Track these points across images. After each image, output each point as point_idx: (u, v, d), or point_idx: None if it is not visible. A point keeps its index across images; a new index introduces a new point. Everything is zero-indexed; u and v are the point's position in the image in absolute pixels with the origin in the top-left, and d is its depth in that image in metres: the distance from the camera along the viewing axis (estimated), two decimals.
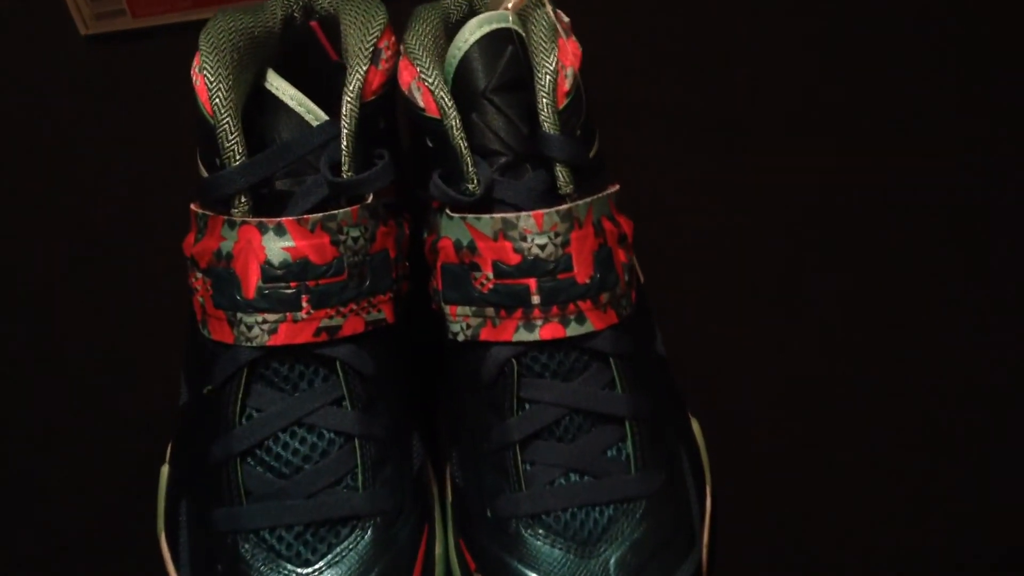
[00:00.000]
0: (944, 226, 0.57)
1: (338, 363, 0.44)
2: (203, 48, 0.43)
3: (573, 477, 0.44)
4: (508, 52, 0.45)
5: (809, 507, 0.50)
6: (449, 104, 0.43)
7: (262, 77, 0.46)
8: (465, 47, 0.45)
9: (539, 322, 0.43)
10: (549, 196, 0.44)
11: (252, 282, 0.42)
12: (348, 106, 0.43)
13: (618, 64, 0.61)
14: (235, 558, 0.43)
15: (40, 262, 0.57)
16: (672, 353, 0.50)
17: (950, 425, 0.52)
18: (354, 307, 0.43)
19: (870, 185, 0.58)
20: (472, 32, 0.45)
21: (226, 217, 0.43)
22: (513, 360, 0.44)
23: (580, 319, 0.43)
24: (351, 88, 0.43)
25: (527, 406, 0.44)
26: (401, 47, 0.46)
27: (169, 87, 0.59)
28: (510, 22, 0.45)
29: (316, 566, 0.42)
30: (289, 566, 0.42)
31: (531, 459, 0.44)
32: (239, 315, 0.43)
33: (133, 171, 0.59)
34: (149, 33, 0.61)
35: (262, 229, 0.42)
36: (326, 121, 0.44)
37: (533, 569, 0.43)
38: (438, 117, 0.43)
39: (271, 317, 0.42)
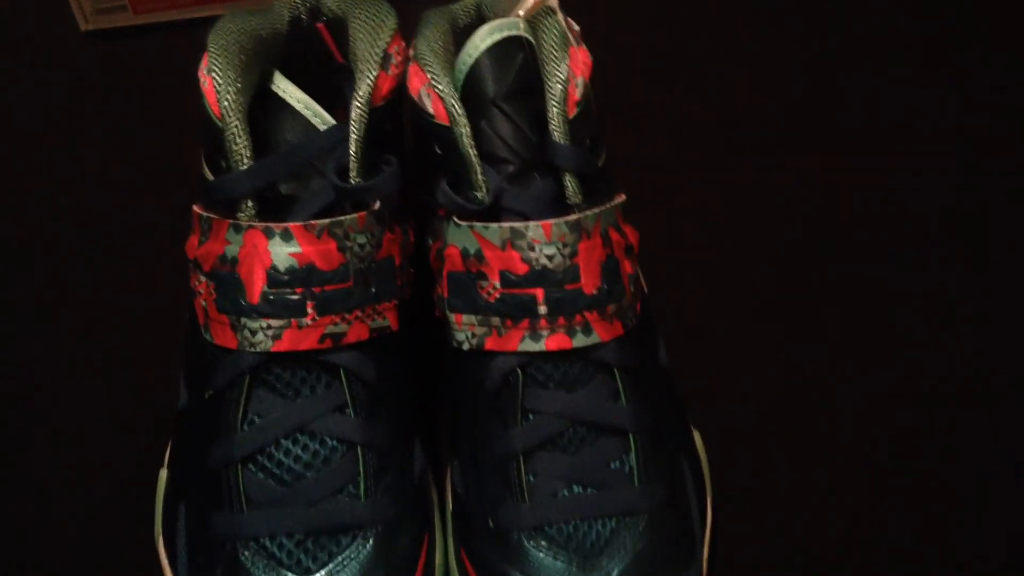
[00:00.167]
0: (952, 232, 0.57)
1: (342, 370, 0.43)
2: (212, 50, 0.43)
3: (576, 489, 0.44)
4: (519, 60, 0.44)
5: (810, 520, 0.50)
6: (460, 111, 0.43)
7: (268, 79, 0.45)
8: (476, 54, 0.44)
9: (545, 332, 0.43)
10: (557, 205, 0.44)
11: (257, 287, 0.42)
12: (357, 111, 0.43)
13: (620, 70, 0.61)
14: (234, 565, 0.42)
15: (36, 260, 0.56)
16: (674, 363, 0.50)
17: (956, 438, 0.52)
18: (359, 314, 0.43)
19: (879, 198, 0.58)
20: (483, 39, 0.44)
21: (232, 221, 0.42)
22: (518, 370, 0.44)
23: (586, 330, 0.43)
24: (361, 93, 0.43)
25: (531, 416, 0.44)
26: (410, 52, 0.46)
27: (169, 84, 0.59)
28: (521, 29, 0.45)
29: (317, 574, 0.42)
30: (289, 574, 0.42)
31: (534, 470, 0.44)
32: (243, 320, 0.42)
33: (132, 169, 0.58)
34: (149, 30, 0.60)
35: (268, 234, 0.42)
36: (333, 125, 0.44)
37: None
38: (448, 124, 0.43)
39: (275, 323, 0.42)
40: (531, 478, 0.44)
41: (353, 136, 0.43)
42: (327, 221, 0.42)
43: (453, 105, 0.43)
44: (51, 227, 0.57)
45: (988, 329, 0.54)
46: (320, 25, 0.49)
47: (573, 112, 0.44)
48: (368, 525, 0.43)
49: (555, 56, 0.44)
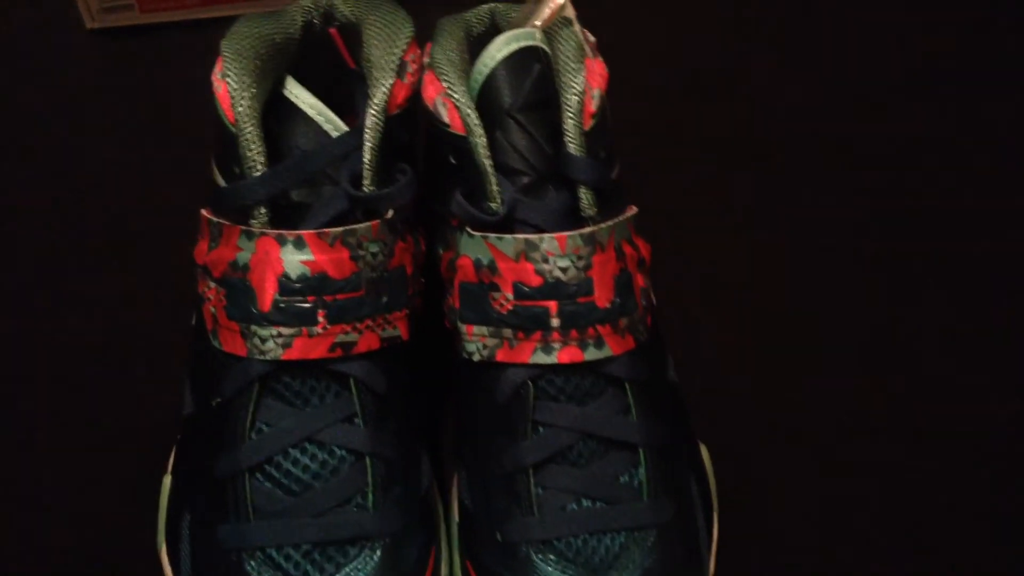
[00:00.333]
0: (973, 257, 0.56)
1: (351, 380, 0.43)
2: (227, 54, 0.43)
3: (585, 503, 0.43)
4: (535, 71, 0.44)
5: (817, 537, 0.50)
6: (476, 122, 0.42)
7: (280, 84, 0.45)
8: (492, 64, 0.44)
9: (557, 345, 0.43)
10: (571, 218, 0.44)
11: (269, 295, 0.42)
12: (372, 119, 0.42)
13: (628, 82, 0.60)
14: (240, 575, 0.42)
15: (39, 261, 0.55)
16: (680, 376, 0.50)
17: (973, 455, 0.52)
18: (370, 323, 0.43)
19: (895, 216, 0.57)
20: (499, 49, 0.44)
21: (243, 228, 0.42)
22: (529, 382, 0.43)
23: (599, 344, 0.43)
24: (376, 101, 0.42)
25: (540, 429, 0.44)
26: (425, 60, 0.45)
27: (175, 84, 0.59)
28: (537, 40, 0.45)
29: None
30: None
31: (543, 483, 0.43)
32: (253, 328, 0.42)
33: (137, 169, 0.58)
34: (155, 29, 0.60)
35: (281, 241, 0.41)
36: (346, 132, 0.44)
37: None
38: (463, 134, 0.43)
39: (286, 331, 0.42)
40: (540, 491, 0.43)
41: (368, 144, 0.42)
42: (340, 229, 0.42)
43: (469, 115, 0.42)
44: (52, 228, 0.56)
45: (1010, 362, 0.54)
46: (333, 30, 0.49)
47: (589, 124, 0.43)
48: (376, 536, 0.43)
49: (571, 67, 0.44)
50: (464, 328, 0.44)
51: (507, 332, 0.43)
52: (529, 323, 0.43)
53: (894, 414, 0.53)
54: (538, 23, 0.45)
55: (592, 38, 0.46)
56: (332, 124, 0.44)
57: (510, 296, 0.43)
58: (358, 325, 0.42)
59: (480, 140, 0.42)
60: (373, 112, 0.42)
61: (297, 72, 0.46)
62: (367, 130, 0.42)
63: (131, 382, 0.53)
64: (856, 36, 0.62)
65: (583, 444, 0.44)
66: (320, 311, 0.42)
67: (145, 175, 0.58)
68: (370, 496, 0.43)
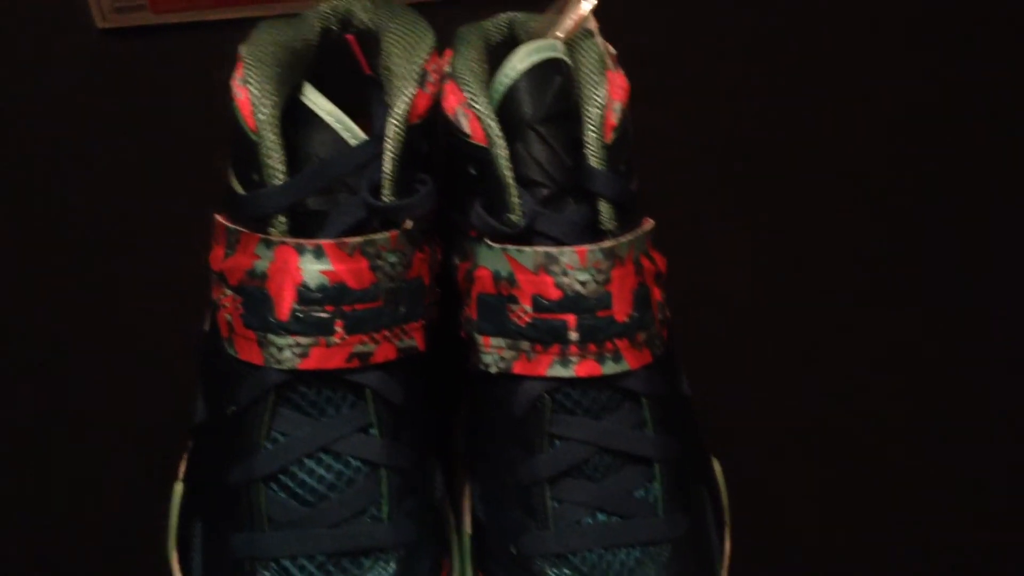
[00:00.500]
0: (993, 270, 0.56)
1: (367, 390, 0.43)
2: (248, 61, 0.42)
3: (601, 517, 0.43)
4: (557, 83, 0.44)
5: (829, 551, 0.50)
6: (498, 133, 0.42)
7: (297, 90, 0.45)
8: (514, 75, 0.44)
9: (575, 359, 0.43)
10: (590, 231, 0.43)
11: (287, 304, 0.41)
12: (394, 129, 0.42)
13: (641, 93, 0.60)
14: None
15: (48, 264, 0.55)
16: (693, 390, 0.50)
17: (980, 469, 0.52)
18: (387, 333, 0.43)
19: (912, 231, 0.57)
20: (522, 60, 0.44)
21: (262, 236, 0.42)
22: (546, 395, 0.43)
23: (616, 357, 0.43)
24: (398, 111, 0.42)
25: (556, 443, 0.43)
26: (446, 69, 0.45)
27: (186, 86, 0.58)
28: (560, 51, 0.44)
29: None
30: None
31: (559, 497, 0.43)
32: (270, 336, 0.42)
33: (147, 171, 0.57)
34: (167, 30, 0.59)
35: (300, 250, 0.41)
36: (364, 141, 0.43)
37: None
38: (484, 145, 0.43)
39: (303, 340, 0.41)
40: (556, 505, 0.43)
41: (389, 154, 0.42)
42: (360, 239, 0.41)
43: (491, 126, 0.42)
44: (59, 231, 0.56)
45: None
46: (350, 36, 0.48)
47: (610, 137, 0.43)
48: (390, 548, 0.42)
49: (593, 80, 0.44)
50: (481, 339, 0.44)
51: (525, 345, 0.43)
52: (547, 336, 0.42)
53: (909, 429, 0.53)
54: (561, 34, 0.45)
55: (612, 50, 0.46)
56: (350, 132, 0.44)
57: (529, 308, 0.42)
58: (375, 335, 0.42)
59: (502, 152, 0.42)
60: (394, 122, 0.42)
61: (313, 78, 0.46)
62: (388, 140, 0.42)
63: (141, 387, 0.52)
64: (869, 41, 0.62)
65: (599, 458, 0.44)
66: (338, 321, 0.41)
67: (155, 177, 0.57)
68: (384, 507, 0.43)
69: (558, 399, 0.43)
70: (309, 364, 0.42)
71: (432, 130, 0.46)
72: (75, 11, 0.59)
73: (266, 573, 0.42)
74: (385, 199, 0.42)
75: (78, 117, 0.58)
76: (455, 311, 0.46)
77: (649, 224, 0.45)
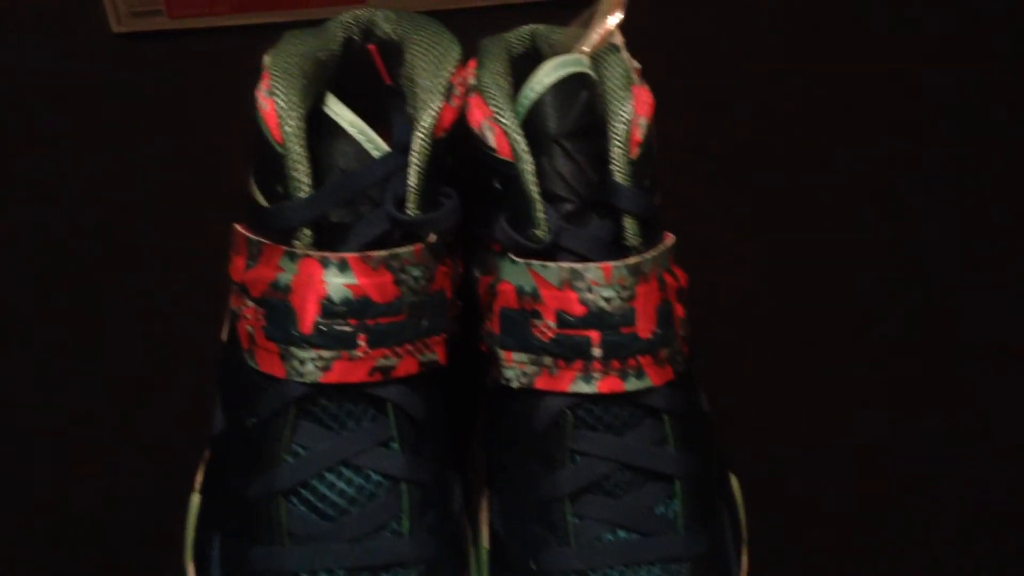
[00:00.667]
0: (1010, 278, 0.56)
1: (389, 404, 0.43)
2: (274, 72, 0.42)
3: (621, 533, 0.43)
4: (583, 98, 0.44)
5: (848, 568, 0.50)
6: (524, 148, 0.42)
7: (320, 100, 0.44)
8: (540, 89, 0.44)
9: (598, 375, 0.42)
10: (614, 247, 0.43)
11: (310, 317, 0.41)
12: (420, 142, 0.42)
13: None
14: None
15: (62, 271, 0.55)
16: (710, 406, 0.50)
17: (1000, 485, 0.51)
18: (409, 347, 0.42)
19: (923, 241, 0.57)
20: (548, 75, 0.44)
21: (286, 248, 0.41)
22: (567, 411, 0.43)
23: (639, 374, 0.43)
24: (425, 124, 0.42)
25: (577, 459, 0.43)
26: (471, 82, 0.45)
27: (201, 92, 0.58)
28: (586, 66, 0.44)
29: None
30: None
31: (580, 513, 0.43)
32: (292, 349, 0.41)
33: (162, 178, 0.57)
34: (183, 35, 0.59)
35: (324, 264, 0.41)
36: (388, 153, 0.43)
37: None
38: (510, 159, 0.42)
39: (326, 354, 0.41)
40: (576, 521, 0.43)
41: (415, 168, 0.42)
42: (384, 253, 0.41)
43: (518, 141, 0.42)
44: (73, 238, 0.55)
45: None
46: (371, 46, 0.48)
47: (635, 153, 0.43)
48: (411, 563, 0.42)
49: (619, 95, 0.43)
50: (503, 354, 0.44)
51: (547, 360, 0.43)
52: (570, 352, 0.42)
53: (938, 449, 0.52)
54: (586, 49, 0.45)
55: (636, 64, 0.46)
56: (373, 143, 0.44)
57: (552, 324, 0.42)
58: (398, 349, 0.42)
59: (528, 167, 0.42)
60: (421, 135, 0.42)
61: (334, 87, 0.45)
62: (414, 153, 0.42)
63: (157, 396, 0.52)
64: (888, 52, 0.62)
65: (619, 474, 0.43)
66: (361, 335, 0.41)
67: (170, 184, 0.57)
68: (405, 522, 0.43)
69: (580, 415, 0.43)
70: (331, 378, 0.41)
71: (456, 143, 0.45)
72: (91, 15, 0.58)
73: None
74: (410, 212, 0.42)
75: (93, 122, 0.58)
76: (473, 324, 0.46)
77: (671, 239, 0.45)
